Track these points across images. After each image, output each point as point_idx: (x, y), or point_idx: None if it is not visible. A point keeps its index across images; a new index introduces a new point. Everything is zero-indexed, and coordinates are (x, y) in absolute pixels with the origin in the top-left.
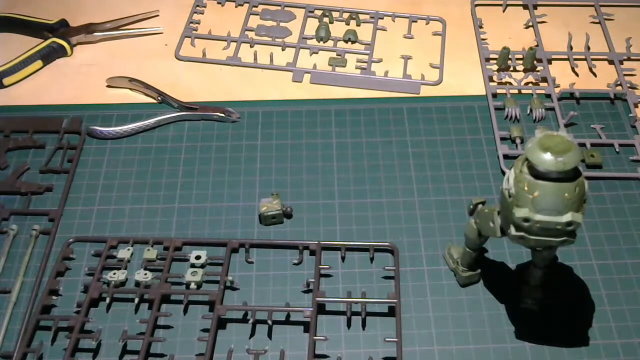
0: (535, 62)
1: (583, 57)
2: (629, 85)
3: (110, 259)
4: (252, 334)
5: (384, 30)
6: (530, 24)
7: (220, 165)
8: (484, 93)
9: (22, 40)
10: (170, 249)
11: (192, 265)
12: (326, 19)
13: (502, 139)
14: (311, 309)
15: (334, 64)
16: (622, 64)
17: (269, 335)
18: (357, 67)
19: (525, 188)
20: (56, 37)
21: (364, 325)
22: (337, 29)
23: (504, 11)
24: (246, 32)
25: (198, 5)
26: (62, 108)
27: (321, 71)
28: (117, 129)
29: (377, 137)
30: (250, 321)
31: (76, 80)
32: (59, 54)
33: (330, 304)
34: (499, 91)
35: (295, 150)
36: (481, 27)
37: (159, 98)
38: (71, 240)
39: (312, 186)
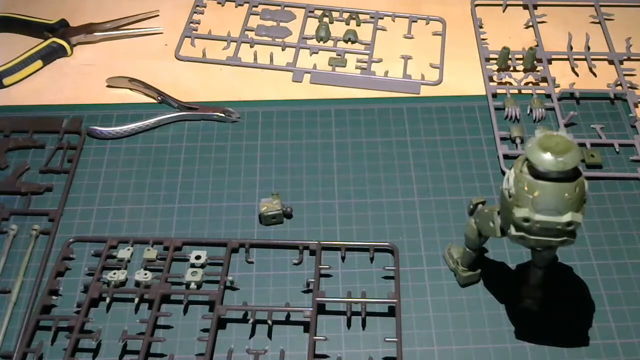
0: (535, 62)
1: (583, 57)
2: (629, 85)
3: (110, 259)
4: (252, 334)
5: (384, 30)
6: (530, 24)
7: (220, 165)
8: (484, 93)
9: (22, 40)
10: (170, 249)
11: (192, 265)
12: (326, 19)
13: (502, 139)
14: (311, 309)
15: (334, 64)
16: (622, 64)
17: (269, 335)
18: (357, 67)
19: (525, 188)
20: (56, 37)
21: (364, 325)
22: (337, 29)
23: (504, 11)
24: (246, 32)
25: (198, 5)
26: (62, 108)
27: (321, 71)
28: (117, 129)
29: (377, 137)
30: (250, 321)
31: (76, 80)
32: (59, 54)
33: (330, 304)
34: (499, 91)
35: (295, 150)
36: (481, 27)
37: (159, 98)
38: (71, 240)
39: (312, 186)
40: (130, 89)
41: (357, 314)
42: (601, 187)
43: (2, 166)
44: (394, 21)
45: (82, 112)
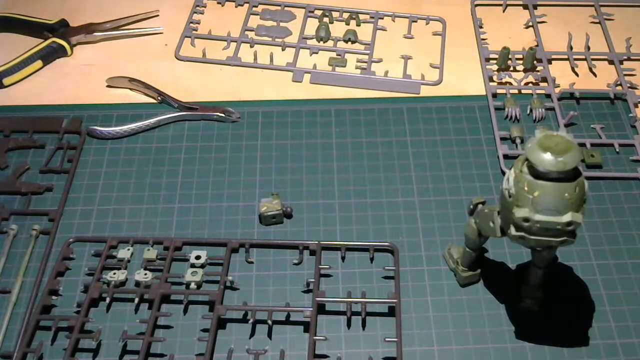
0: (535, 62)
1: (583, 57)
2: (629, 85)
3: (110, 259)
4: (252, 334)
5: (384, 30)
6: (530, 24)
7: (220, 165)
8: (484, 93)
9: (22, 40)
10: (170, 249)
11: (192, 265)
12: (326, 19)
13: (502, 139)
14: (311, 309)
15: (334, 64)
16: (622, 64)
17: (269, 335)
18: (357, 67)
19: (525, 188)
20: (56, 37)
21: (364, 325)
22: (337, 29)
23: (504, 11)
24: (246, 32)
25: (198, 5)
26: (62, 108)
27: (321, 71)
28: (117, 129)
29: (377, 137)
30: (250, 321)
31: (76, 80)
32: (59, 54)
33: (330, 304)
34: (499, 91)
35: (295, 150)
36: (481, 27)
37: (159, 98)
38: (71, 240)
39: (312, 186)
40: (130, 89)
41: (357, 314)
42: (601, 187)
43: (2, 166)
44: (394, 21)
45: (82, 112)
